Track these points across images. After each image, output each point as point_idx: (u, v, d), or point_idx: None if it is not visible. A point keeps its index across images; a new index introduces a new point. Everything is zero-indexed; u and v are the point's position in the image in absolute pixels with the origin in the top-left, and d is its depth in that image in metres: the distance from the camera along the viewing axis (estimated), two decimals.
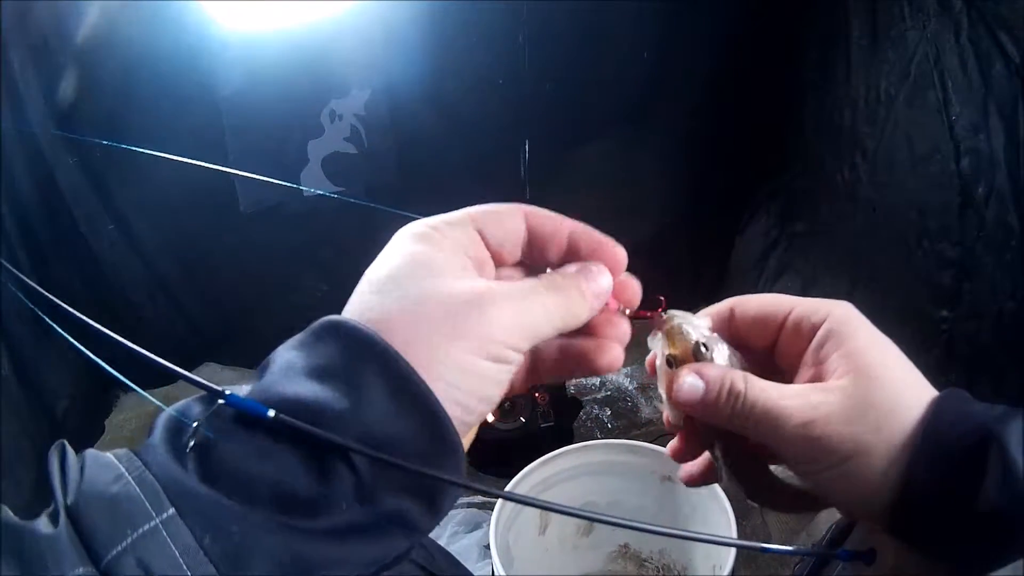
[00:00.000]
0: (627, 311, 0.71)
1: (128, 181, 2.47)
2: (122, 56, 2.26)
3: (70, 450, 0.54)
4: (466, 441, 0.62)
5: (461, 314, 0.59)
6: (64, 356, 2.50)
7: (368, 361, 0.55)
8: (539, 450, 2.11)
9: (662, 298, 0.74)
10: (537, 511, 2.15)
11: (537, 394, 2.64)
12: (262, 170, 2.49)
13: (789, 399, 0.65)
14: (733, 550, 1.86)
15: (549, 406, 2.66)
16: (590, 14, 2.48)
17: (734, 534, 1.88)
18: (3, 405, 2.09)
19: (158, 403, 0.59)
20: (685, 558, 2.23)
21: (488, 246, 0.71)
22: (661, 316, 0.73)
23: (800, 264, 2.70)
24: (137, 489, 0.49)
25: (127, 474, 0.50)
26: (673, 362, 0.72)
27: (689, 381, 0.69)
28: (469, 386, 0.58)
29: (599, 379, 3.02)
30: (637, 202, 2.86)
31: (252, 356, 2.95)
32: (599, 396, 2.99)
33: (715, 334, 0.72)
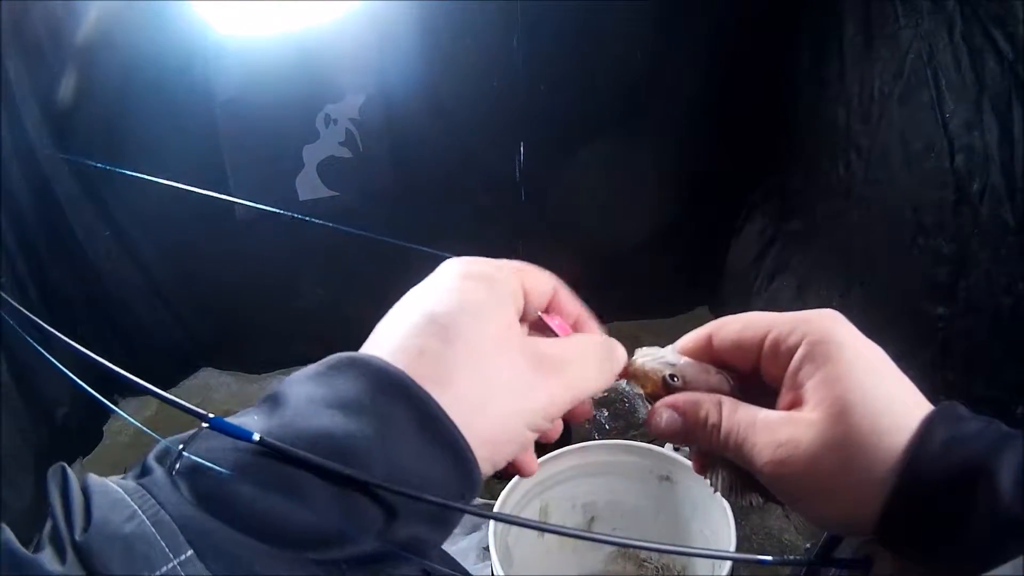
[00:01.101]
0: None
1: (124, 189, 2.47)
2: (117, 62, 2.26)
3: (71, 475, 0.52)
4: None
5: (519, 382, 0.60)
6: (63, 362, 2.50)
7: (397, 398, 0.55)
8: (538, 451, 2.11)
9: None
10: (536, 512, 2.15)
11: None
12: (257, 175, 2.49)
13: (759, 434, 0.64)
14: (732, 549, 1.86)
15: None
16: (584, 16, 2.48)
17: (733, 534, 1.88)
18: (3, 411, 2.10)
19: (154, 434, 0.58)
20: (684, 558, 2.23)
21: (525, 300, 0.70)
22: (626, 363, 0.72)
23: (796, 263, 2.70)
24: (153, 529, 0.47)
25: (141, 513, 0.48)
26: (650, 400, 0.72)
27: (666, 416, 0.69)
28: (506, 450, 0.61)
29: None
30: (632, 203, 2.86)
31: (249, 361, 2.96)
32: (597, 397, 3.00)
33: (687, 360, 0.71)
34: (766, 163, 2.81)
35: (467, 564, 2.19)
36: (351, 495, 0.51)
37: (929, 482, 0.56)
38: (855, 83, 2.26)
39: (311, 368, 0.59)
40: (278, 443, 0.50)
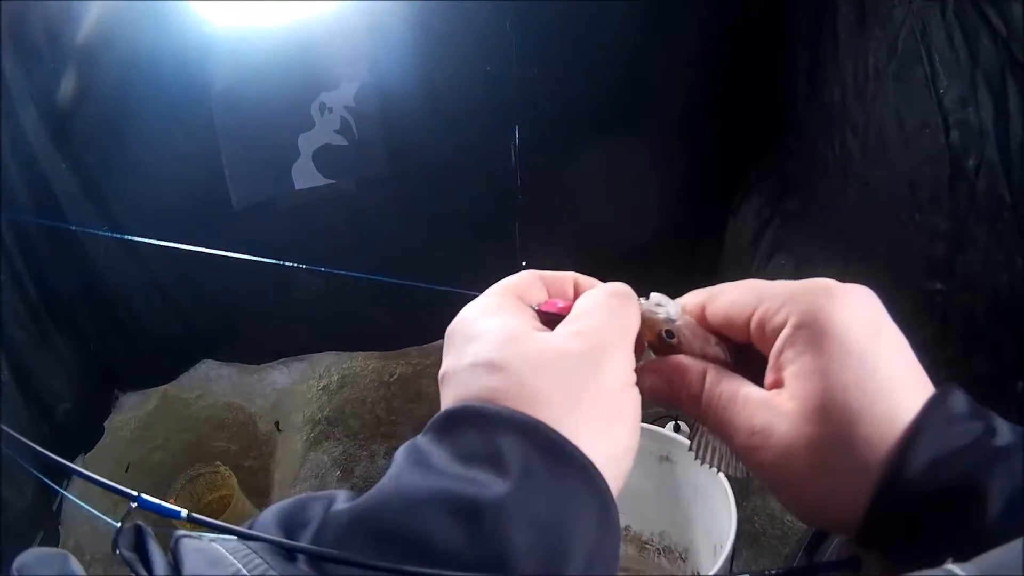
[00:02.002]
0: None
1: (121, 183, 2.46)
2: (114, 56, 2.26)
3: (150, 535, 0.48)
4: None
5: (587, 376, 0.57)
6: (63, 360, 2.50)
7: (510, 434, 0.52)
8: None
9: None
10: None
11: None
12: (254, 164, 2.49)
13: (737, 414, 0.61)
14: (732, 531, 1.86)
15: None
16: (577, 1, 2.47)
17: (734, 515, 1.89)
18: (3, 409, 2.10)
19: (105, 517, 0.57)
20: (686, 540, 2.24)
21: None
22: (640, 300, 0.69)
23: (794, 242, 2.70)
24: None
25: (244, 570, 0.46)
26: (649, 347, 0.69)
27: (649, 381, 0.66)
28: (622, 466, 0.58)
29: None
30: (629, 186, 2.86)
31: (248, 353, 2.96)
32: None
33: (688, 320, 0.68)
34: (762, 143, 2.81)
35: None
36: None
37: (913, 501, 0.52)
38: (849, 61, 2.25)
39: (435, 421, 0.56)
40: (206, 519, 0.48)
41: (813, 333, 0.57)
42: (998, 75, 1.74)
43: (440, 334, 0.64)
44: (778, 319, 0.59)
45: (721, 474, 1.99)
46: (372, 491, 0.51)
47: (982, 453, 0.52)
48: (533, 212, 2.73)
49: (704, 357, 0.66)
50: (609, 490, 0.53)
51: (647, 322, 0.67)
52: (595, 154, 2.74)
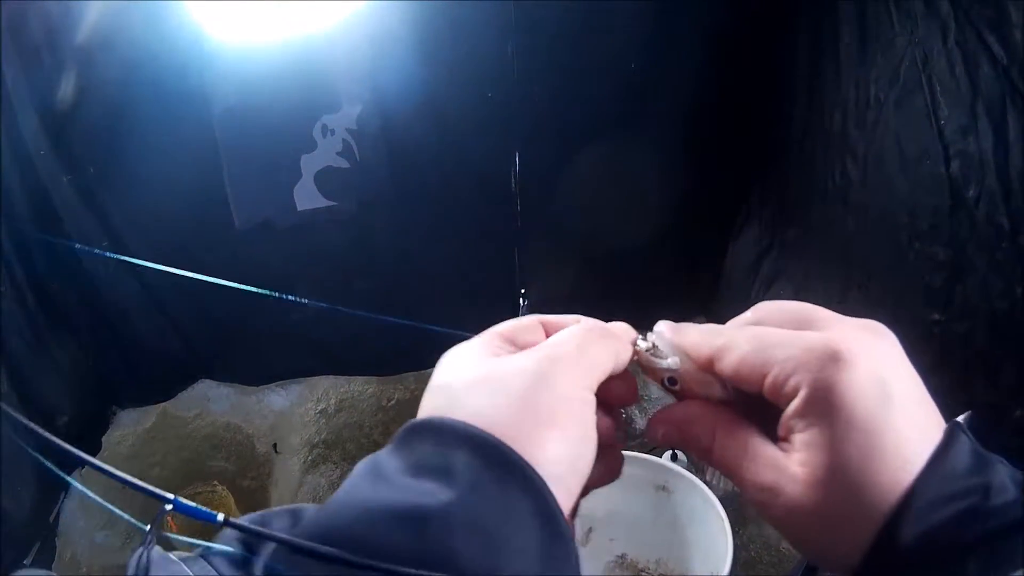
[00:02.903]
0: None
1: (122, 197, 2.47)
2: (115, 72, 2.26)
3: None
4: None
5: (533, 375, 0.59)
6: (62, 374, 2.50)
7: (458, 447, 0.55)
8: None
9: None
10: None
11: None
12: (256, 185, 2.49)
13: (746, 469, 0.62)
14: (729, 557, 1.86)
15: None
16: (578, 24, 2.48)
17: (730, 543, 1.89)
18: (3, 422, 2.10)
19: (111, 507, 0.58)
20: (682, 567, 2.23)
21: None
22: (639, 342, 0.71)
23: (793, 269, 2.71)
24: None
25: None
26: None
27: (661, 431, 0.68)
28: (563, 435, 0.58)
29: None
30: (629, 210, 2.86)
31: (247, 372, 2.96)
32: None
33: (687, 363, 0.68)
34: (763, 170, 2.81)
35: None
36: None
37: (901, 568, 0.54)
38: (851, 89, 2.26)
39: (395, 436, 0.59)
40: (243, 524, 0.51)
41: (823, 407, 0.57)
42: (998, 103, 1.75)
43: (438, 360, 0.65)
44: (789, 387, 0.59)
45: (717, 503, 1.99)
46: (327, 503, 0.54)
47: (970, 527, 0.52)
48: (534, 235, 2.74)
49: (710, 398, 0.67)
50: (552, 497, 0.55)
51: (649, 369, 0.69)
52: (595, 178, 2.74)
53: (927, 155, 1.98)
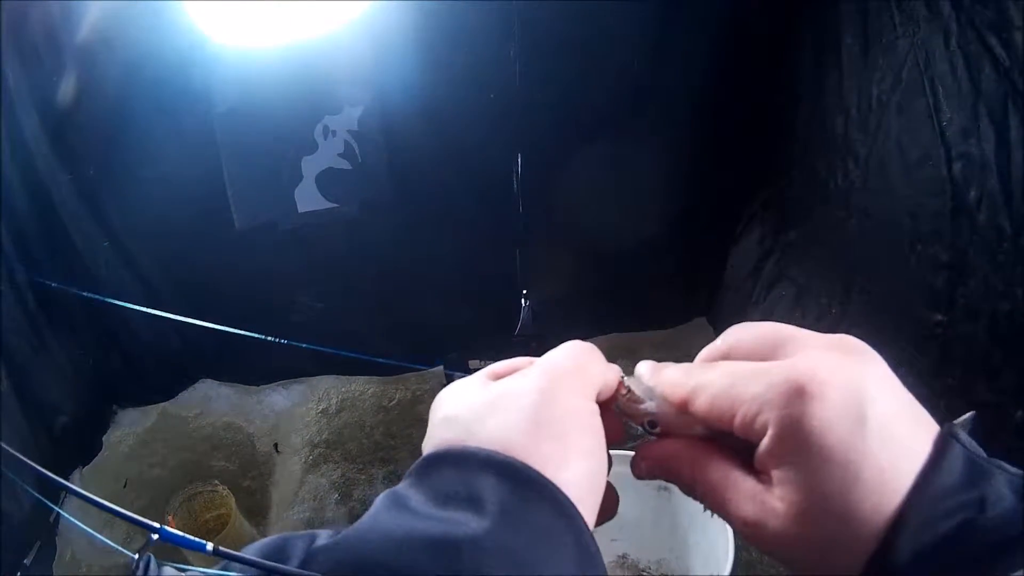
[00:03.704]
0: None
1: (123, 198, 2.47)
2: (116, 74, 2.26)
3: (153, 562, 0.52)
4: None
5: (537, 392, 0.60)
6: (63, 373, 2.50)
7: (482, 473, 0.55)
8: None
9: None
10: None
11: None
12: (257, 187, 2.49)
13: (729, 503, 0.62)
14: (731, 559, 1.86)
15: None
16: (580, 28, 2.48)
17: (731, 544, 1.89)
18: (3, 421, 2.10)
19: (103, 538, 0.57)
20: (683, 568, 2.23)
21: None
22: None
23: (794, 272, 2.71)
24: None
25: None
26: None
27: (645, 467, 0.68)
28: (579, 446, 0.59)
29: None
30: (630, 214, 2.86)
31: (248, 373, 2.96)
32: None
33: (665, 406, 0.68)
34: (764, 173, 2.81)
35: None
36: None
37: None
38: (853, 92, 2.26)
39: (411, 469, 0.59)
40: (234, 553, 0.50)
41: (793, 444, 0.56)
42: (1000, 106, 1.74)
43: (436, 374, 0.66)
44: (758, 425, 0.58)
45: None
46: (350, 529, 0.53)
47: (964, 543, 0.52)
48: (536, 237, 2.73)
49: (692, 435, 0.67)
50: (580, 516, 0.55)
51: (631, 414, 0.68)
52: (597, 181, 2.74)
53: (929, 157, 1.98)
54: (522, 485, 0.54)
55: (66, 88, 2.25)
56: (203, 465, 2.97)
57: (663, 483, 1.86)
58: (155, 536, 0.51)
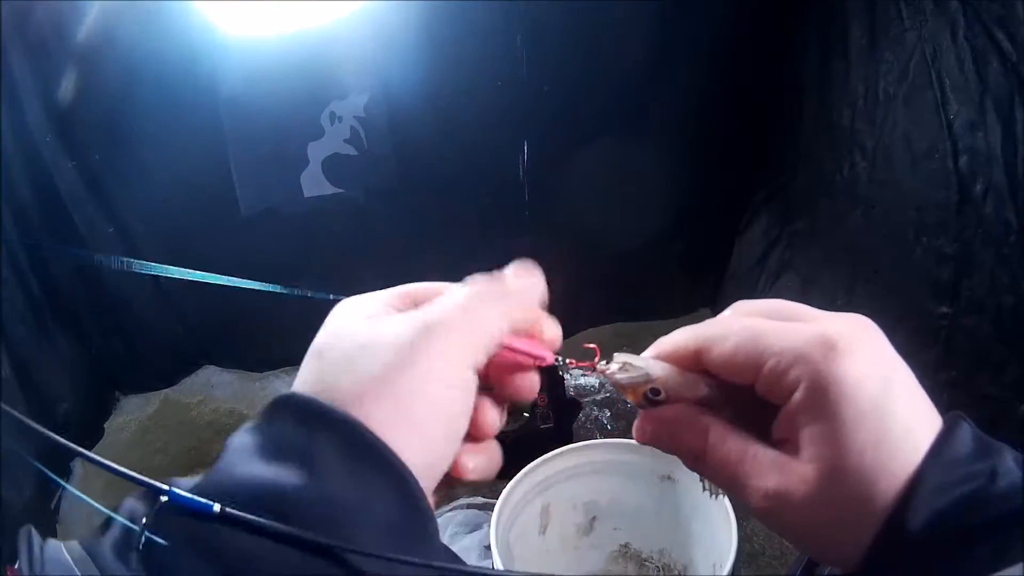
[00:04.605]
0: (565, 360, 0.70)
1: (127, 184, 2.47)
2: (122, 60, 2.26)
3: (36, 537, 0.51)
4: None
5: (405, 349, 0.58)
6: (64, 359, 2.50)
7: (319, 429, 0.54)
8: (539, 452, 2.11)
9: (595, 346, 0.69)
10: (538, 510, 2.15)
11: (537, 396, 2.64)
12: (262, 172, 2.49)
13: (749, 476, 0.60)
14: (733, 549, 1.86)
15: (549, 408, 2.66)
16: (588, 17, 2.48)
17: (735, 534, 1.88)
18: (3, 408, 2.10)
19: (98, 506, 0.56)
20: (686, 557, 2.23)
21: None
22: (602, 366, 0.68)
23: (800, 263, 2.71)
24: None
25: None
26: (639, 406, 0.67)
27: (650, 431, 0.66)
28: (431, 419, 0.57)
29: (598, 380, 3.01)
30: (636, 204, 2.86)
31: (250, 359, 2.96)
32: (599, 397, 2.99)
33: (668, 369, 0.65)
34: (770, 164, 2.81)
35: (469, 562, 2.19)
36: (310, 558, 0.49)
37: (909, 555, 0.53)
38: (860, 84, 2.26)
39: (264, 408, 0.59)
40: (241, 514, 0.49)
41: (827, 398, 0.56)
42: (1007, 99, 1.75)
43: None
44: (788, 381, 0.57)
45: (723, 494, 2.00)
46: (207, 475, 0.55)
47: (976, 512, 0.52)
48: (540, 226, 2.73)
49: (696, 401, 0.64)
50: (418, 488, 0.55)
51: (628, 389, 0.65)
52: (603, 171, 2.74)
53: (935, 150, 1.98)
54: (359, 451, 0.54)
55: (71, 75, 2.25)
56: (206, 452, 2.97)
57: (666, 472, 1.86)
58: (163, 498, 0.51)
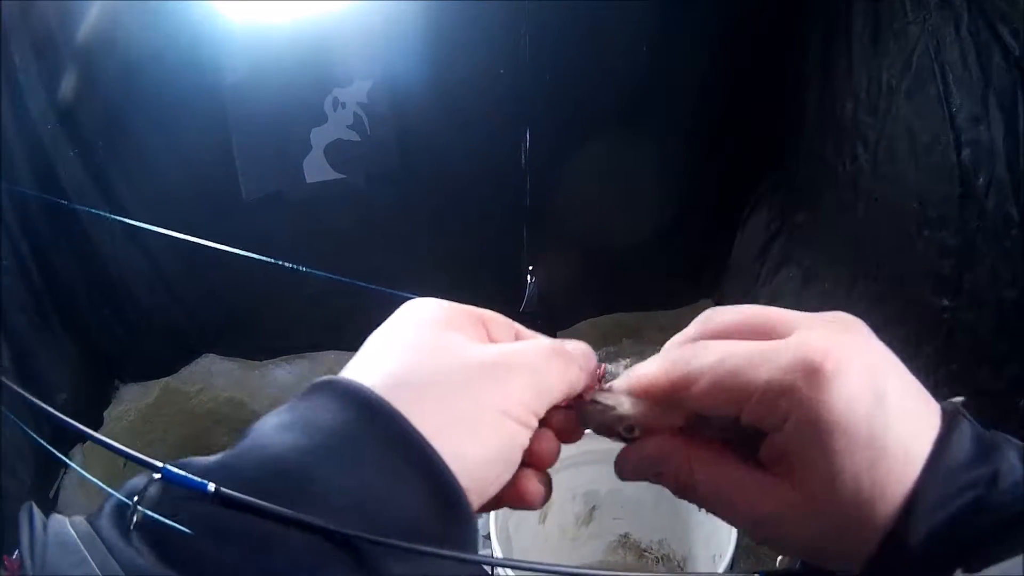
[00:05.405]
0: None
1: (129, 172, 2.47)
2: (126, 47, 2.25)
3: (38, 514, 0.50)
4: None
5: (477, 377, 0.58)
6: (63, 349, 2.50)
7: (365, 420, 0.54)
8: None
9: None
10: None
11: None
12: (265, 157, 2.49)
13: (738, 503, 0.60)
14: (733, 539, 1.86)
15: None
16: (592, 6, 2.47)
17: (734, 528, 1.89)
18: (3, 397, 2.10)
19: (101, 485, 0.56)
20: (685, 548, 2.24)
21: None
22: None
23: (801, 255, 2.70)
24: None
25: (90, 559, 0.46)
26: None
27: (632, 464, 0.66)
28: (483, 455, 0.57)
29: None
30: (638, 194, 2.86)
31: (252, 347, 2.96)
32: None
33: (640, 405, 0.64)
34: (773, 155, 2.81)
35: None
36: (320, 543, 0.49)
37: (907, 564, 0.52)
38: (863, 77, 2.26)
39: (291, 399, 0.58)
40: (236, 494, 0.48)
41: (817, 428, 0.54)
42: (1009, 93, 1.74)
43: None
44: (775, 414, 0.56)
45: None
46: (239, 449, 0.55)
47: (977, 520, 0.51)
48: (541, 215, 2.73)
49: (674, 431, 0.63)
50: (458, 484, 0.55)
51: (602, 426, 0.65)
52: (604, 162, 2.73)
53: (938, 143, 1.98)
54: (402, 446, 0.53)
55: (75, 62, 2.25)
56: (205, 441, 2.97)
57: None
58: (157, 476, 0.50)
